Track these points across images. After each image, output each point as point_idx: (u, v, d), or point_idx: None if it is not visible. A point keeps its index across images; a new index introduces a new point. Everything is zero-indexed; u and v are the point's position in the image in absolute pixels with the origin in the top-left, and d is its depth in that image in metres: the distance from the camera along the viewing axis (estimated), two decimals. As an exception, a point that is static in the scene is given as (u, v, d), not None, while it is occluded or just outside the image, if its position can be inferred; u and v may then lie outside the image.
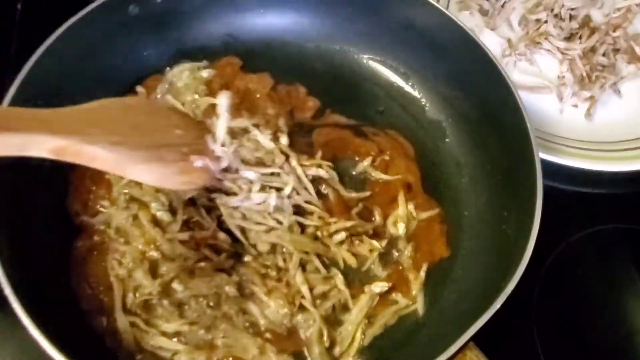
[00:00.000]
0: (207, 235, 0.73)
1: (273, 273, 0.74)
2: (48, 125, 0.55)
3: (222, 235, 0.73)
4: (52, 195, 0.75)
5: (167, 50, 0.88)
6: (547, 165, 0.77)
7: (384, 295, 0.75)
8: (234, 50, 0.91)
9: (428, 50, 0.89)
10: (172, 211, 0.74)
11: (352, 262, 0.76)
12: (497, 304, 0.63)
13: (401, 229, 0.79)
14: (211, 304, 0.70)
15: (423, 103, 0.91)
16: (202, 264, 0.71)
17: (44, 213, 0.73)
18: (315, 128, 0.86)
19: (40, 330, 0.57)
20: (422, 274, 0.77)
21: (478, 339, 0.62)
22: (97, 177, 0.77)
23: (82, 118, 0.60)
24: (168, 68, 0.87)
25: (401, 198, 0.81)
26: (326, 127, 0.87)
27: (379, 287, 0.75)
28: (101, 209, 0.75)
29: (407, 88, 0.92)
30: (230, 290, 0.70)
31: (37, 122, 0.55)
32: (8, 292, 0.59)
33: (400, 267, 0.77)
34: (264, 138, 0.78)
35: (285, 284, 0.73)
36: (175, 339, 0.68)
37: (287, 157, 0.79)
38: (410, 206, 0.81)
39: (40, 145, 0.54)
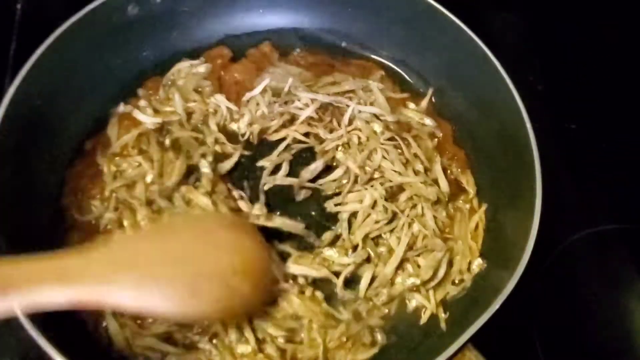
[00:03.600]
0: None
1: None
2: (63, 276, 0.49)
3: None
4: (51, 193, 0.75)
5: (167, 50, 0.88)
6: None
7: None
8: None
9: (428, 50, 0.90)
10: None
11: None
12: (497, 304, 0.63)
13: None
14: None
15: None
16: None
17: (43, 211, 0.73)
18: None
19: (39, 330, 0.57)
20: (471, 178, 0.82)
21: (478, 340, 0.62)
22: (93, 177, 0.77)
23: (104, 259, 0.53)
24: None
25: None
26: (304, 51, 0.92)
27: None
28: (92, 209, 0.75)
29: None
30: None
31: (51, 273, 0.48)
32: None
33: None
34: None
35: None
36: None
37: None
38: None
39: (53, 300, 0.47)
